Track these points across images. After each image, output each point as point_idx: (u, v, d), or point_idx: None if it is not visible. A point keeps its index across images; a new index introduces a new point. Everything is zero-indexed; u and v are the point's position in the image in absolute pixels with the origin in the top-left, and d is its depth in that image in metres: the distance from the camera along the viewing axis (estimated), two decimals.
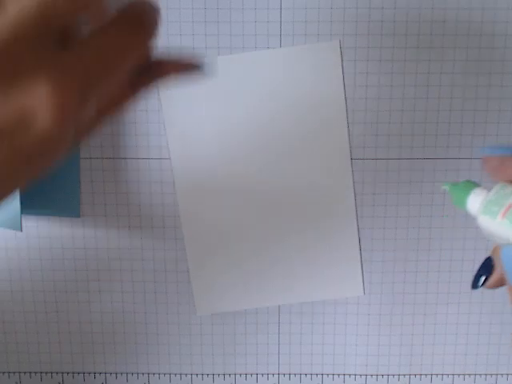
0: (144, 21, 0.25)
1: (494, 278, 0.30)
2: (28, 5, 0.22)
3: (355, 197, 0.41)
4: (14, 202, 0.36)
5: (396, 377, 0.45)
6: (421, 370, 0.45)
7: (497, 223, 0.27)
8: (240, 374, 0.45)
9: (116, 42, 0.24)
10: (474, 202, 0.29)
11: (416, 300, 0.43)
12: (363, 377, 0.45)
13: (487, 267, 0.30)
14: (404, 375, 0.45)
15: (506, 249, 0.26)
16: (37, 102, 0.21)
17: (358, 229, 0.42)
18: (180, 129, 0.41)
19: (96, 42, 0.24)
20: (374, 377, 0.45)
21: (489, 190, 0.29)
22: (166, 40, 0.40)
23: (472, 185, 0.30)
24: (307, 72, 0.40)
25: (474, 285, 0.30)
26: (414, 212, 0.42)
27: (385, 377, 0.45)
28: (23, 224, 0.38)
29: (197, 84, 0.39)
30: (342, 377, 0.45)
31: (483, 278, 0.30)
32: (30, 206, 0.39)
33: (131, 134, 0.41)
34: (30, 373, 0.45)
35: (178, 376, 0.45)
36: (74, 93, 0.22)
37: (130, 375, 0.45)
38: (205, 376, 0.45)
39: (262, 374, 0.45)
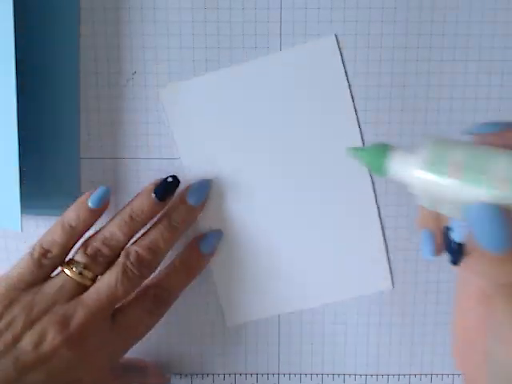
0: (160, 305, 0.38)
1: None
2: (105, 291, 0.34)
3: (376, 196, 0.41)
4: (13, 202, 0.36)
5: (396, 377, 0.45)
6: (421, 370, 0.45)
7: (447, 183, 0.23)
8: (240, 374, 0.45)
9: (142, 317, 0.37)
10: (402, 164, 0.25)
11: (416, 300, 0.43)
12: (363, 377, 0.45)
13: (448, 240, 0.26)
14: (404, 375, 0.45)
15: (474, 207, 0.22)
16: None
17: (382, 225, 0.42)
18: (187, 131, 0.40)
19: (128, 318, 0.36)
20: (374, 377, 0.45)
21: (410, 151, 0.25)
22: (166, 40, 0.40)
23: (386, 147, 0.26)
24: (307, 72, 0.40)
25: (454, 260, 0.26)
26: (413, 212, 0.42)
27: (385, 377, 0.45)
28: (23, 224, 0.38)
29: (199, 88, 0.39)
30: (341, 377, 0.45)
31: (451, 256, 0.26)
32: (30, 205, 0.39)
33: (131, 133, 0.41)
34: None
35: (178, 376, 0.45)
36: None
37: None
38: (205, 376, 0.45)
39: (262, 374, 0.45)
